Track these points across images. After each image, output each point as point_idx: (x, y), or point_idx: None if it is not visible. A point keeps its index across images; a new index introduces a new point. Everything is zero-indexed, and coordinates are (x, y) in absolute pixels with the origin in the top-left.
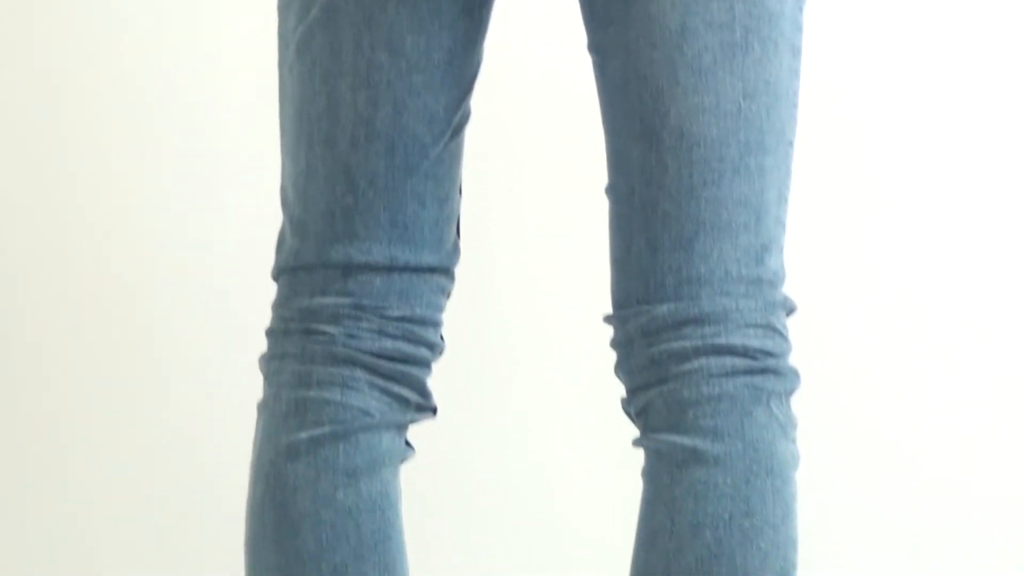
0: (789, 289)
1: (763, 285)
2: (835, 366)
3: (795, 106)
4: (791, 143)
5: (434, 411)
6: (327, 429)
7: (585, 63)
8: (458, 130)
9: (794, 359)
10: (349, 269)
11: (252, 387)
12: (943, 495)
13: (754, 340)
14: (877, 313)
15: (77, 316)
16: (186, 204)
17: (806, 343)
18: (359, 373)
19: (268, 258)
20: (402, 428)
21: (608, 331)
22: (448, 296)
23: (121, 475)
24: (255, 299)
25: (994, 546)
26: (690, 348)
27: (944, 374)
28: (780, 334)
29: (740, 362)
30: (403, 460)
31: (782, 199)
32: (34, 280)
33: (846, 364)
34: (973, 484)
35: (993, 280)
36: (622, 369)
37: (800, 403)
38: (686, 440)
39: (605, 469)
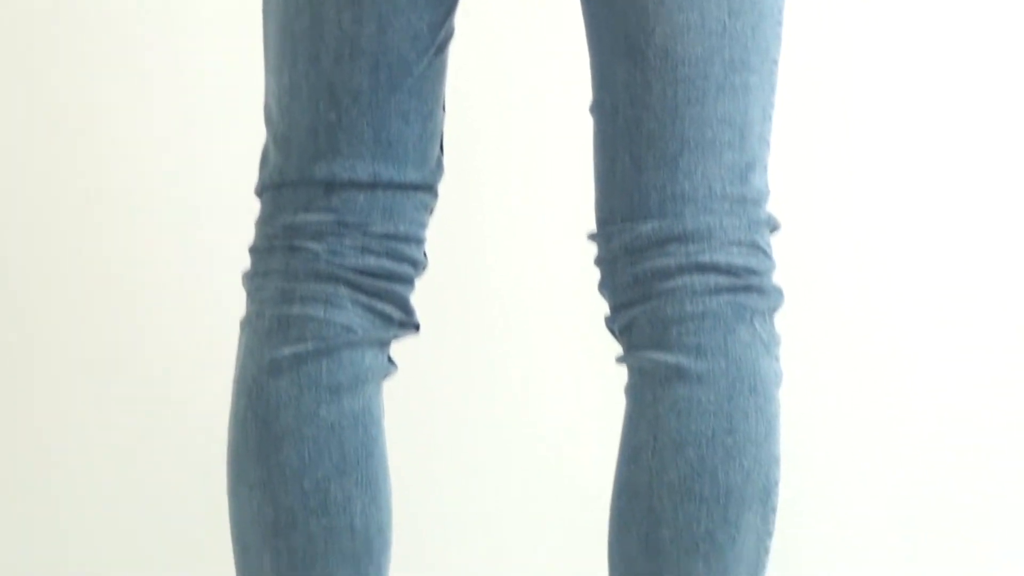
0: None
1: (747, 203)
2: (831, 363)
3: (780, 24)
4: (775, 62)
5: (417, 328)
6: (310, 345)
7: None
8: (442, 47)
9: (786, 352)
10: (332, 186)
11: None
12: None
13: (738, 258)
14: (872, 303)
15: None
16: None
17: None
18: (342, 290)
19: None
20: (385, 345)
21: (592, 249)
22: (431, 213)
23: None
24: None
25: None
26: (674, 266)
27: (943, 372)
28: (764, 252)
29: (724, 280)
30: (386, 377)
31: (766, 117)
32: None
33: (845, 363)
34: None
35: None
36: (606, 287)
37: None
38: (669, 357)
39: (588, 386)
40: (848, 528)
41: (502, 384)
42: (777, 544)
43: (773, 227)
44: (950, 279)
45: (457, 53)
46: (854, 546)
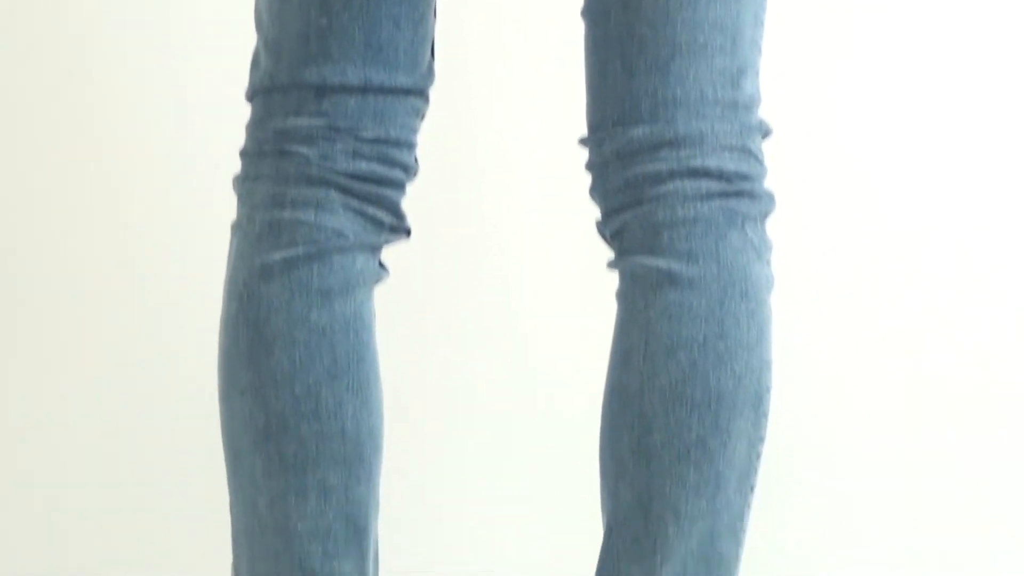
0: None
1: (739, 108)
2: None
3: None
4: None
5: (408, 233)
6: (301, 250)
7: None
8: None
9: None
10: (323, 90)
11: None
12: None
13: (729, 163)
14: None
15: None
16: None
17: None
18: (333, 194)
19: None
20: (376, 249)
21: (583, 153)
22: (422, 118)
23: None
24: None
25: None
26: (665, 171)
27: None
28: (755, 157)
29: (715, 185)
30: (377, 282)
31: (758, 22)
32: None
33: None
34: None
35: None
36: (597, 191)
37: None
38: (661, 262)
39: (578, 292)
40: (847, 527)
41: (491, 293)
42: (777, 545)
43: (765, 133)
44: (950, 279)
45: None
46: (853, 545)
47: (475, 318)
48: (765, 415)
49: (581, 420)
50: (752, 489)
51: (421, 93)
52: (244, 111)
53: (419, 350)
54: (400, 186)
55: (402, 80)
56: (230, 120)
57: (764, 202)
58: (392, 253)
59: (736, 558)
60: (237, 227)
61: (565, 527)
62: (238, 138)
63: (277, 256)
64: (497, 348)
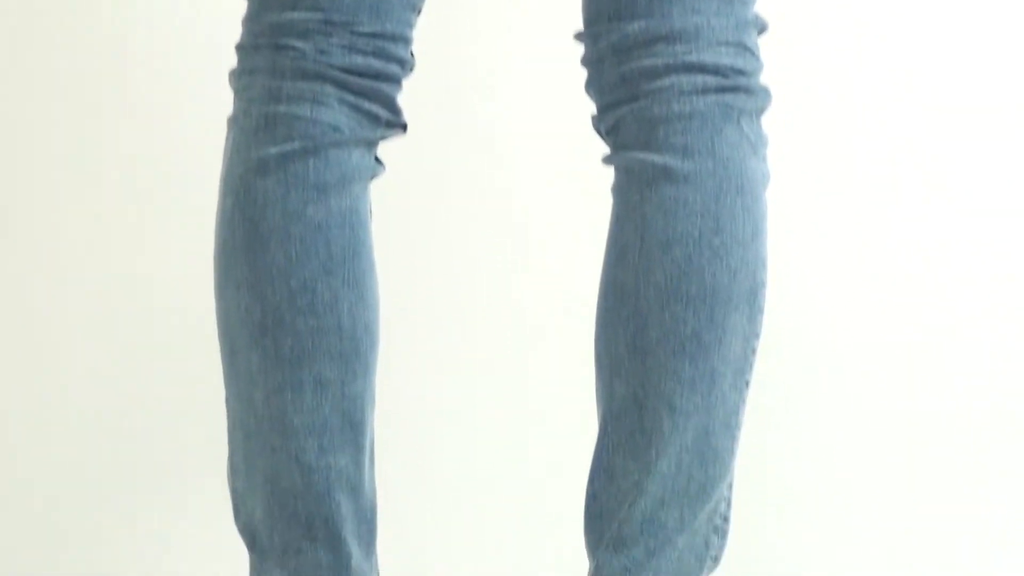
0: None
1: (735, 3)
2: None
3: None
4: None
5: (404, 128)
6: (296, 144)
7: None
8: None
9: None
10: None
11: None
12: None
13: (725, 58)
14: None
15: None
16: None
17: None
18: (329, 89)
19: None
20: (372, 144)
21: (578, 49)
22: (419, 12)
23: None
24: None
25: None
26: (661, 65)
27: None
28: (751, 52)
29: (711, 80)
30: (373, 177)
31: None
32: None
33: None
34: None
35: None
36: (592, 87)
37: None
38: (656, 157)
39: (574, 188)
40: (846, 527)
41: (484, 183)
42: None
43: (761, 28)
44: (951, 279)
45: None
46: (853, 545)
47: (471, 213)
48: (760, 310)
49: (576, 318)
50: (747, 385)
51: None
52: None
53: (414, 244)
54: (396, 81)
55: None
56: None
57: (760, 97)
58: (388, 147)
59: (731, 453)
60: (233, 121)
61: (559, 441)
62: None
63: (273, 150)
64: (491, 244)
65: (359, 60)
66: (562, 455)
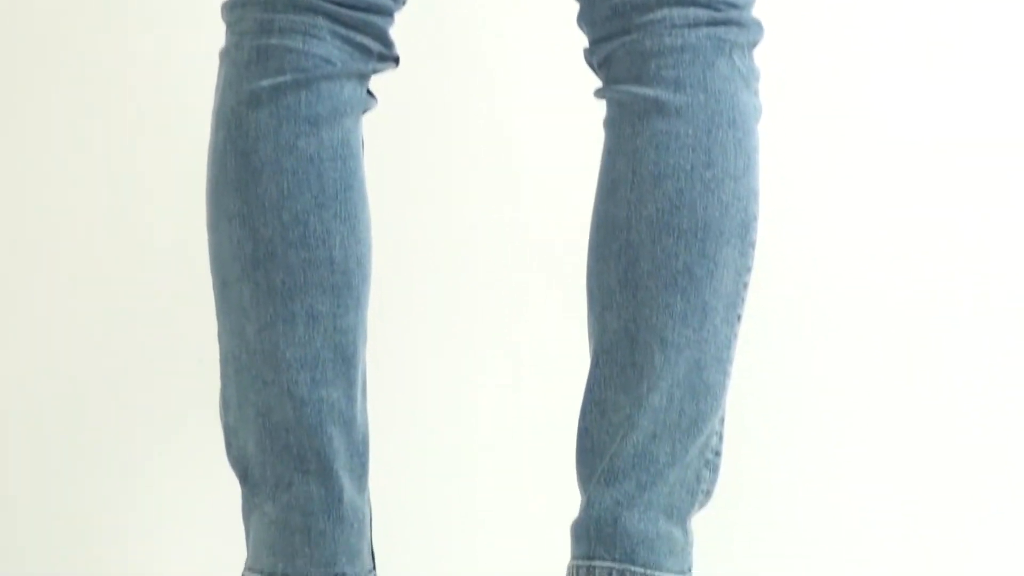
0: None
1: None
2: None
3: None
4: None
5: (396, 61)
6: (289, 77)
7: None
8: None
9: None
10: None
11: None
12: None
13: None
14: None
15: None
16: None
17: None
18: (321, 21)
19: None
20: (364, 78)
21: None
22: None
23: None
24: None
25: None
26: None
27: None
28: None
29: (703, 13)
30: (365, 110)
31: None
32: None
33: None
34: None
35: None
36: (584, 20)
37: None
38: (648, 91)
39: (566, 122)
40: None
41: (478, 116)
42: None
43: None
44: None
45: None
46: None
47: (463, 147)
48: (752, 244)
49: (567, 251)
50: (739, 319)
51: None
52: None
53: (406, 178)
54: (388, 14)
55: None
56: None
57: (752, 30)
58: (380, 80)
59: (723, 388)
60: (225, 54)
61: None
62: None
63: (265, 83)
64: (482, 178)
65: None
66: (555, 389)
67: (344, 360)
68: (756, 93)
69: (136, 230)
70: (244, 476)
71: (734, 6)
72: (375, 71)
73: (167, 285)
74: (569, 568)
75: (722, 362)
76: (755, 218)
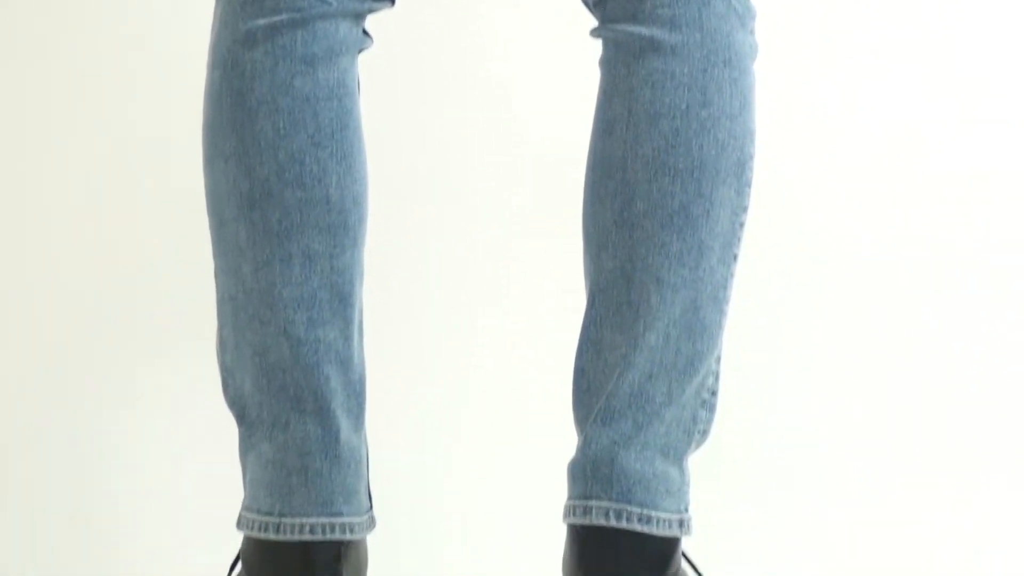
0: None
1: None
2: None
3: None
4: None
5: (392, 0)
6: (284, 17)
7: None
8: None
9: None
10: None
11: None
12: None
13: None
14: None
15: None
16: None
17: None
18: None
19: None
20: (360, 17)
21: None
22: None
23: None
24: None
25: None
26: None
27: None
28: None
29: None
30: (361, 50)
31: None
32: None
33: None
34: None
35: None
36: None
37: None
38: (644, 30)
39: (562, 62)
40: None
41: (474, 53)
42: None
43: None
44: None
45: None
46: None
47: (458, 83)
48: (748, 184)
49: (562, 191)
50: (735, 259)
51: None
52: None
53: (400, 114)
54: None
55: None
56: None
57: None
58: (375, 20)
59: (719, 327)
60: None
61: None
62: None
63: (260, 22)
64: (477, 118)
65: None
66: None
67: (341, 300)
68: (752, 32)
69: (131, 168)
70: (241, 416)
71: None
72: (370, 10)
73: (163, 226)
74: (566, 508)
75: (718, 301)
76: (751, 157)
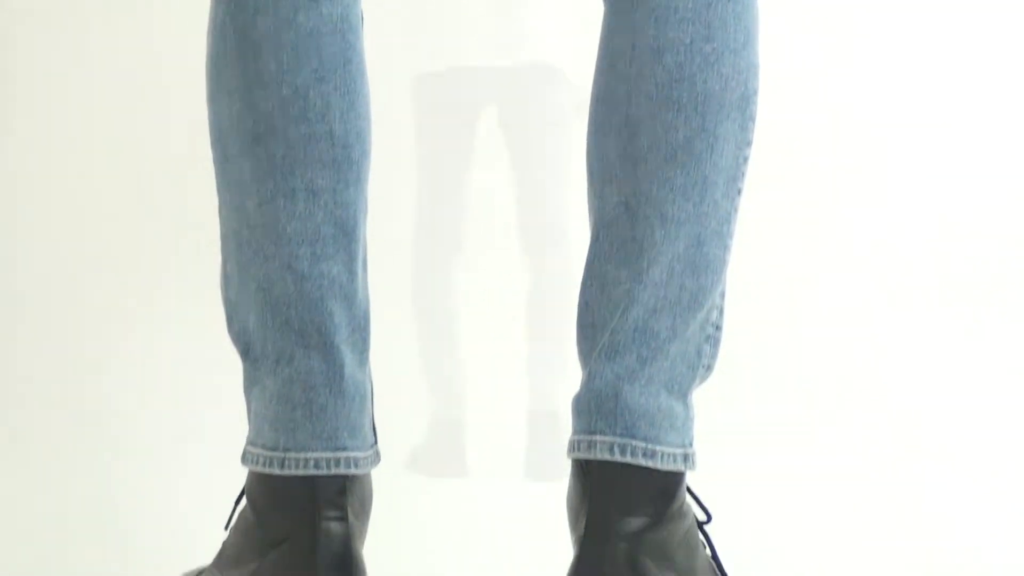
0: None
1: None
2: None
3: None
4: None
5: None
6: None
7: None
8: None
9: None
10: None
11: None
12: None
13: None
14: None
15: None
16: None
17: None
18: None
19: None
20: None
21: None
22: None
23: None
24: None
25: None
26: None
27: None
28: None
29: None
30: None
31: None
32: None
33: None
34: None
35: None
36: None
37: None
38: None
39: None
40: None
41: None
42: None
43: None
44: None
45: None
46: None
47: (469, 15)
48: (752, 118)
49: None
50: (739, 193)
51: None
52: None
53: (399, 52)
54: None
55: None
56: None
57: None
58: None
59: (723, 262)
60: None
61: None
62: None
63: None
64: (482, 44)
65: None
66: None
67: (345, 235)
68: None
69: (135, 109)
70: (245, 351)
71: None
72: None
73: (168, 167)
74: (570, 443)
75: (722, 236)
76: (755, 92)
